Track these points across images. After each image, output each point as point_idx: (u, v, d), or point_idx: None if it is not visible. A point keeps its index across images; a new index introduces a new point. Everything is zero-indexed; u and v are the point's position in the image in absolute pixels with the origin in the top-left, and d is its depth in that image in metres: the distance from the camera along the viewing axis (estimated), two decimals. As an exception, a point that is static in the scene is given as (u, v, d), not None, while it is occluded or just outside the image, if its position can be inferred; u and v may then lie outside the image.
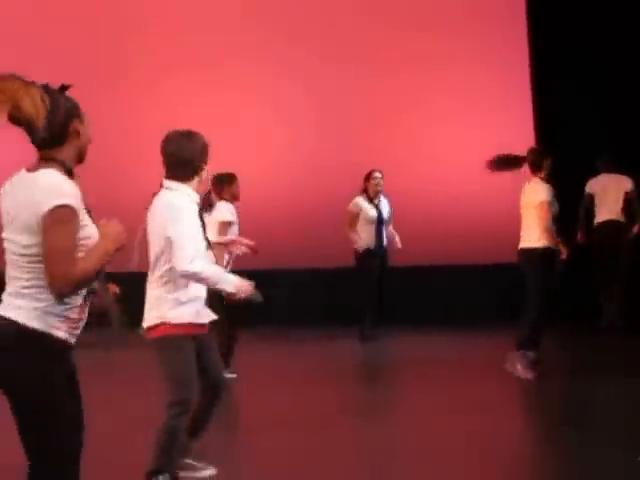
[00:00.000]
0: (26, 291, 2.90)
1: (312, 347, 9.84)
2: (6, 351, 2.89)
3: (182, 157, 4.37)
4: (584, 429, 5.89)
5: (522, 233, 7.66)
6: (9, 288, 2.95)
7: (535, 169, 7.67)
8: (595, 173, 10.16)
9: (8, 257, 2.96)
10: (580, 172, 9.93)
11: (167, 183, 4.40)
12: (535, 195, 7.59)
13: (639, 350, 8.85)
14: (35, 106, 2.85)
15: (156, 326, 4.32)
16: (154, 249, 4.34)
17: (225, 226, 7.68)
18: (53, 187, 2.84)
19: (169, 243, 4.25)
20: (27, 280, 2.90)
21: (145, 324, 4.36)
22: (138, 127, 11.31)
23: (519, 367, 7.51)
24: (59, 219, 2.81)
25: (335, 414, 6.57)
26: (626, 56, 10.85)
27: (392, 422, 6.31)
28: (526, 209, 7.64)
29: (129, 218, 4.45)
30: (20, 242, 2.90)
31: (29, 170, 2.96)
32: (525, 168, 7.68)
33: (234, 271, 6.33)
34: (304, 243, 11.02)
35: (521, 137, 10.97)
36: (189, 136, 4.43)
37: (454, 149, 11.39)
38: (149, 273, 4.39)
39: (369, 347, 9.74)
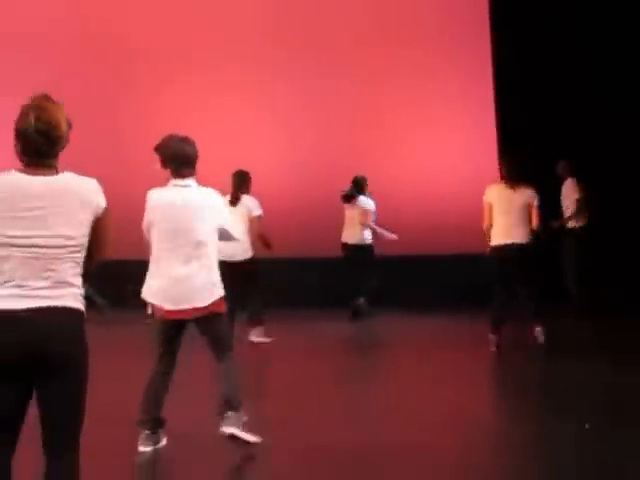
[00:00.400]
0: (70, 279, 3.20)
1: (308, 325, 10.46)
2: (74, 333, 3.20)
3: (187, 157, 4.96)
4: (544, 399, 6.58)
5: (509, 230, 8.17)
6: (41, 282, 3.14)
7: (516, 175, 8.28)
8: (557, 177, 10.77)
9: (49, 253, 3.15)
10: (538, 175, 10.15)
11: (189, 181, 4.96)
12: (528, 197, 8.23)
13: (600, 332, 9.56)
14: (67, 125, 3.25)
15: (220, 300, 5.01)
16: (199, 232, 4.90)
17: (261, 220, 8.46)
18: (99, 190, 3.30)
19: (216, 230, 4.97)
20: (66, 269, 3.19)
21: (206, 300, 4.94)
22: (148, 128, 11.87)
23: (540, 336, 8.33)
24: (109, 215, 3.32)
25: (328, 382, 7.28)
26: (581, 68, 11.55)
27: (378, 389, 7.00)
28: (516, 208, 8.18)
29: (140, 210, 4.95)
30: (68, 235, 3.18)
31: (49, 174, 3.20)
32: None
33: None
34: (300, 236, 11.63)
35: (485, 141, 11.93)
36: (187, 139, 5.03)
37: (429, 151, 12.17)
38: (192, 254, 4.89)
39: (360, 326, 10.49)
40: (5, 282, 3.13)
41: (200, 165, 5.17)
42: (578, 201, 10.56)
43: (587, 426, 5.48)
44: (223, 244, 7.65)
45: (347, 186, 10.87)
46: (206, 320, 4.99)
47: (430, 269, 11.61)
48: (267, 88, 12.23)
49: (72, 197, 3.21)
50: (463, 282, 11.23)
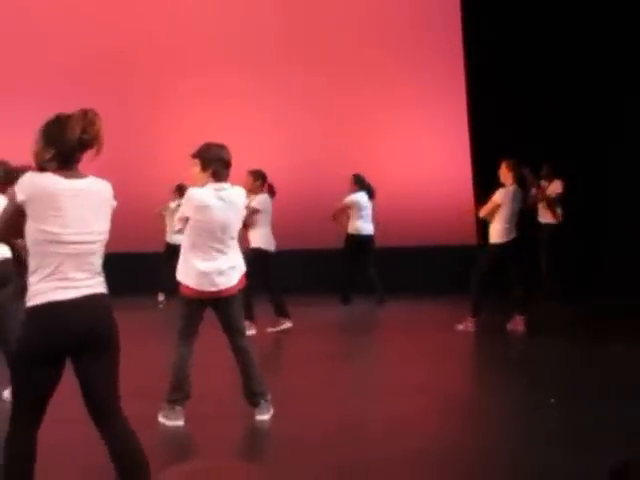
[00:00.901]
0: (100, 269, 3.52)
1: (299, 309, 10.58)
2: (112, 316, 3.53)
3: (226, 161, 5.42)
4: (517, 374, 7.02)
5: (513, 230, 8.84)
6: (82, 274, 3.41)
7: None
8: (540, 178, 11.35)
9: (88, 248, 3.43)
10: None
11: (226, 185, 5.41)
12: None
13: (573, 315, 10.17)
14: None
15: (239, 282, 5.52)
16: (234, 228, 5.43)
17: None
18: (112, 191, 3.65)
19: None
20: (98, 261, 3.51)
21: (233, 282, 5.45)
22: (151, 133, 12.41)
23: (521, 325, 8.90)
24: None
25: (321, 357, 7.79)
26: (551, 69, 12.22)
27: (367, 365, 7.56)
28: (518, 211, 8.94)
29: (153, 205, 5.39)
30: (100, 230, 3.50)
31: (80, 177, 3.48)
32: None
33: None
34: (298, 229, 12.16)
35: (458, 142, 12.86)
36: (224, 146, 5.48)
37: (416, 152, 12.95)
38: (225, 246, 5.40)
39: (355, 310, 10.99)
40: (48, 276, 3.36)
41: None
42: (561, 195, 11.18)
43: (552, 400, 5.88)
44: (264, 234, 8.70)
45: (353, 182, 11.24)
46: (227, 301, 5.49)
47: (415, 259, 12.25)
48: (266, 92, 12.71)
49: (99, 197, 3.51)
50: (443, 271, 11.94)
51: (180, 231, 5.61)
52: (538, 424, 5.45)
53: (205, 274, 5.37)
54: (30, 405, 3.47)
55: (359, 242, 11.11)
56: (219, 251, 5.41)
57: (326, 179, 12.26)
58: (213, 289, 5.41)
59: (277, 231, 9.37)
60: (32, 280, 3.41)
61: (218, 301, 5.49)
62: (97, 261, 3.52)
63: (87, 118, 3.46)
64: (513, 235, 8.84)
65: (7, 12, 12.69)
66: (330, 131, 12.87)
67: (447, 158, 12.93)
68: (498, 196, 8.83)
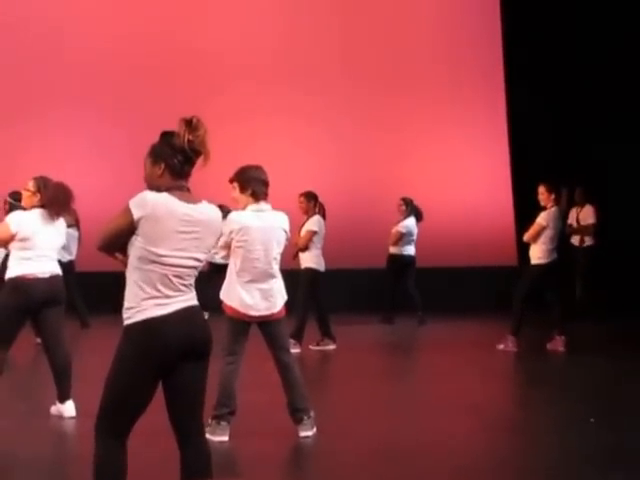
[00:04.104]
0: (192, 284, 3.48)
1: (342, 328, 10.43)
2: (208, 326, 3.54)
3: (264, 181, 5.46)
4: (556, 396, 6.94)
5: (554, 251, 8.83)
6: (175, 293, 3.37)
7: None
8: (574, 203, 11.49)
9: (186, 271, 3.41)
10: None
11: (265, 206, 5.44)
12: None
13: (606, 333, 10.22)
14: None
15: (284, 306, 5.56)
16: (276, 250, 5.45)
17: None
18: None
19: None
20: (192, 279, 3.48)
21: (277, 307, 5.49)
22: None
23: (561, 346, 8.83)
24: None
25: (365, 376, 7.77)
26: (593, 90, 12.09)
27: (407, 384, 7.58)
28: (559, 231, 9.00)
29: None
30: (200, 258, 3.47)
31: (194, 202, 3.43)
32: None
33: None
34: (340, 249, 12.04)
35: (499, 163, 12.95)
36: (261, 167, 5.51)
37: (456, 178, 12.97)
38: (270, 267, 5.40)
39: (396, 329, 10.97)
40: (147, 293, 3.34)
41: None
42: (594, 225, 11.46)
43: (592, 420, 5.87)
44: (316, 255, 8.68)
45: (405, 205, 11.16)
46: (273, 323, 5.52)
47: (456, 279, 12.25)
48: (331, 115, 12.79)
49: (210, 227, 3.47)
50: (484, 291, 11.89)
51: (225, 257, 5.64)
52: (578, 443, 5.40)
53: (248, 300, 5.40)
54: (128, 417, 3.42)
55: (401, 262, 11.10)
56: (263, 273, 5.42)
57: (367, 199, 12.24)
58: (256, 314, 5.44)
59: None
60: (132, 297, 3.38)
61: (264, 322, 5.52)
62: (192, 279, 3.49)
63: (190, 125, 3.39)
64: (554, 256, 8.80)
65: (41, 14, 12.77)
66: (372, 152, 12.86)
67: (488, 179, 12.87)
68: (542, 219, 8.78)
